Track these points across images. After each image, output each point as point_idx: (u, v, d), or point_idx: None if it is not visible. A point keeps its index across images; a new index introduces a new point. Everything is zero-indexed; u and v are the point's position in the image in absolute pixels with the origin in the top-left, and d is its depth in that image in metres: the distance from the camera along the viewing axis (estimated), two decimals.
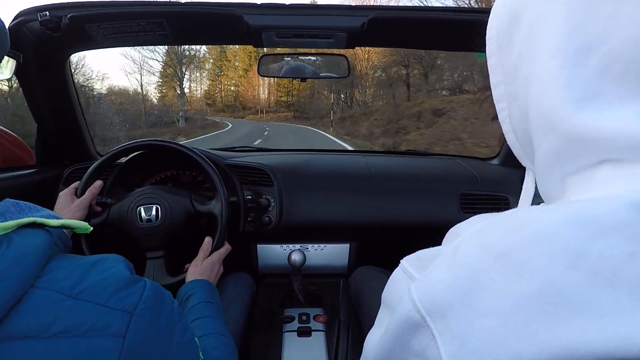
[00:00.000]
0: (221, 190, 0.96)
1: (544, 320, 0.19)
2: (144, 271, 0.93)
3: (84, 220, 0.88)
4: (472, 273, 0.23)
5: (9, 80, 1.06)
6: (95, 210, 0.96)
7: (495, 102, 0.34)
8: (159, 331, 0.40)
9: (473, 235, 0.25)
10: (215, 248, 0.93)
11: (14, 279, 0.33)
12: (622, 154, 0.23)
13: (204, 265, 0.87)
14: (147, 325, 0.38)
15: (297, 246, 1.27)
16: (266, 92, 54.77)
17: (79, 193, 0.95)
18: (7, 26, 0.85)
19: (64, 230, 0.43)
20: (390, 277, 0.31)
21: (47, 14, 0.90)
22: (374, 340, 0.31)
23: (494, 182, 1.29)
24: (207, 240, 0.93)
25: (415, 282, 0.26)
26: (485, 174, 1.32)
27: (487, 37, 0.34)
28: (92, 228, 0.47)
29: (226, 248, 0.95)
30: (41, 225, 0.39)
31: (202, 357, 0.49)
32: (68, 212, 0.89)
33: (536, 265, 0.20)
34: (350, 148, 9.30)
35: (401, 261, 0.31)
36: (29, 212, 0.40)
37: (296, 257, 1.14)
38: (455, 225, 0.30)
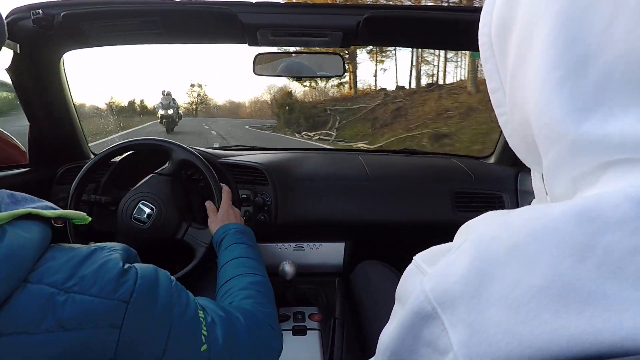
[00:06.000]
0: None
1: (554, 310, 0.20)
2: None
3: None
4: (483, 265, 0.23)
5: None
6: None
7: (494, 106, 0.34)
8: (156, 316, 0.40)
9: (485, 230, 0.26)
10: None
11: (6, 273, 0.32)
12: (631, 154, 0.24)
13: (220, 216, 0.92)
14: (143, 312, 0.38)
15: (293, 245, 1.27)
16: None
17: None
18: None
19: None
20: (403, 274, 0.32)
21: (40, 12, 0.90)
22: (386, 332, 0.32)
23: (489, 180, 1.29)
24: (208, 203, 0.97)
25: (427, 275, 0.27)
26: (480, 173, 1.32)
27: (479, 44, 0.34)
28: (90, 219, 0.47)
29: (227, 191, 0.98)
30: (37, 217, 0.38)
31: (205, 332, 0.48)
32: None
33: (546, 258, 0.21)
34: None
35: (414, 257, 0.31)
36: (25, 203, 0.39)
37: (286, 268, 1.07)
38: (469, 220, 0.31)
